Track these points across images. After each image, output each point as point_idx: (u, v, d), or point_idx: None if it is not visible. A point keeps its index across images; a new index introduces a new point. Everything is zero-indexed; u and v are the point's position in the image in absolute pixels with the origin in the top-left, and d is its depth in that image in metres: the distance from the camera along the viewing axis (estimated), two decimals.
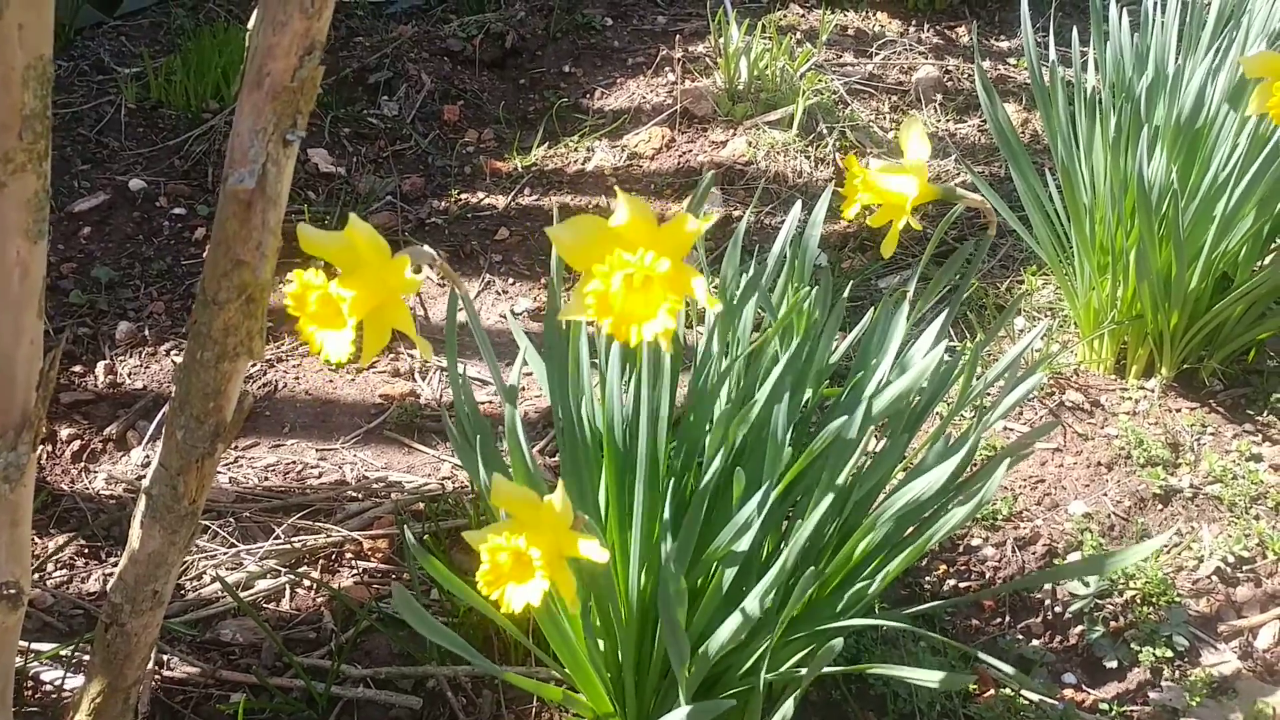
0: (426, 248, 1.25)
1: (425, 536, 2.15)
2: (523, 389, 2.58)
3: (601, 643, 1.68)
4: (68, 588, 2.08)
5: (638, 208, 1.14)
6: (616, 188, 1.39)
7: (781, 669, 1.64)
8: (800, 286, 1.75)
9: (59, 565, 2.12)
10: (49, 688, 1.88)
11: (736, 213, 3.15)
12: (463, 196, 3.28)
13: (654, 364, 1.55)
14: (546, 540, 1.24)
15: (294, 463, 2.39)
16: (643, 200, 1.16)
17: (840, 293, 2.14)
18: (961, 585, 2.19)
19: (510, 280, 2.97)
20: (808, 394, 1.72)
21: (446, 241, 3.10)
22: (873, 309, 1.77)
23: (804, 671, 1.57)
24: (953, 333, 2.78)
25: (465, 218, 3.20)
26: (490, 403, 2.54)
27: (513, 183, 3.34)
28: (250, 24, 1.15)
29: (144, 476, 2.32)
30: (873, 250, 3.05)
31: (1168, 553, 2.27)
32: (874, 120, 3.56)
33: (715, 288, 2.27)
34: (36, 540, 2.18)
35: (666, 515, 1.61)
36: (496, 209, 3.23)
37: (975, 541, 2.27)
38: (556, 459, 2.38)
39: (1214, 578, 2.23)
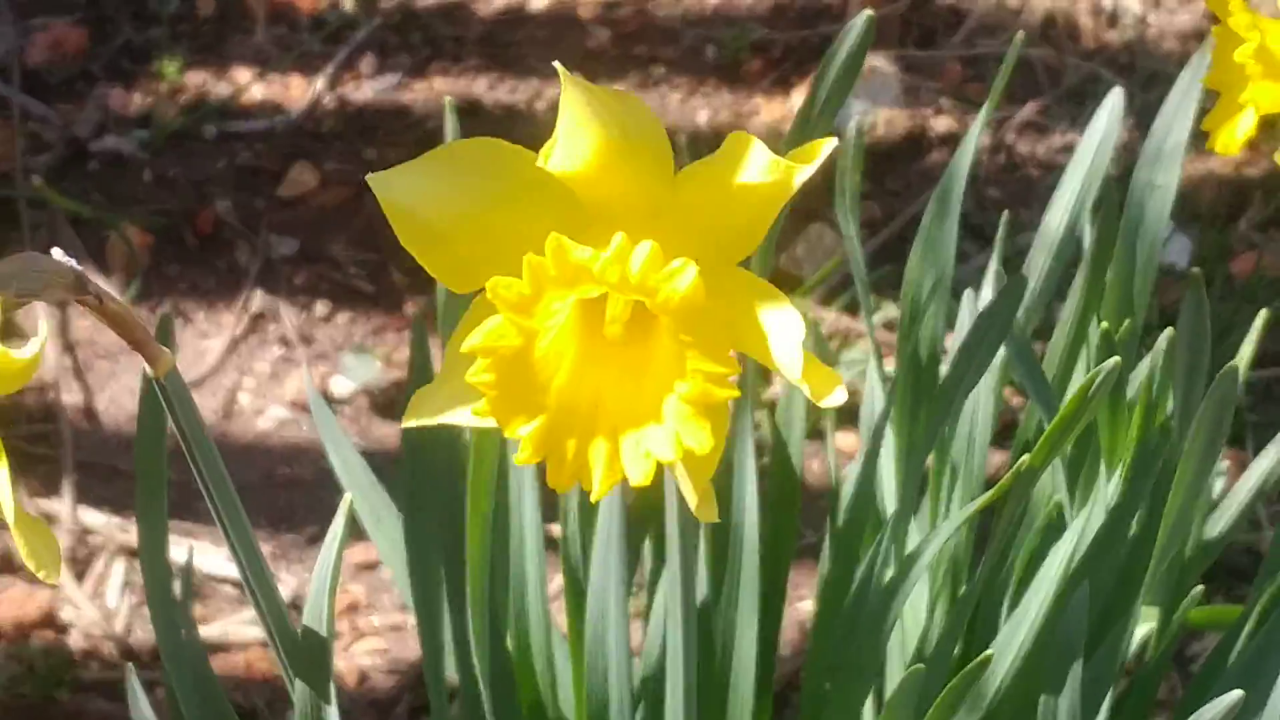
0: (57, 257, 0.52)
1: None
2: (350, 611, 1.22)
3: None
4: None
5: (625, 119, 0.48)
6: (559, 66, 0.47)
7: None
8: (1122, 325, 0.81)
9: None
10: None
11: (942, 123, 1.52)
12: (193, 77, 1.54)
13: (688, 545, 0.67)
14: None
15: None
16: (639, 102, 0.48)
17: (1234, 345, 0.99)
18: None
19: (323, 305, 1.41)
20: (1142, 624, 0.79)
21: (149, 202, 1.46)
22: None
23: None
24: None
25: (199, 139, 1.50)
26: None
27: (330, 40, 1.58)
28: None
29: None
30: None
31: None
32: None
33: (892, 334, 1.08)
34: None
35: None
36: (286, 113, 1.52)
37: None
38: None
39: None
